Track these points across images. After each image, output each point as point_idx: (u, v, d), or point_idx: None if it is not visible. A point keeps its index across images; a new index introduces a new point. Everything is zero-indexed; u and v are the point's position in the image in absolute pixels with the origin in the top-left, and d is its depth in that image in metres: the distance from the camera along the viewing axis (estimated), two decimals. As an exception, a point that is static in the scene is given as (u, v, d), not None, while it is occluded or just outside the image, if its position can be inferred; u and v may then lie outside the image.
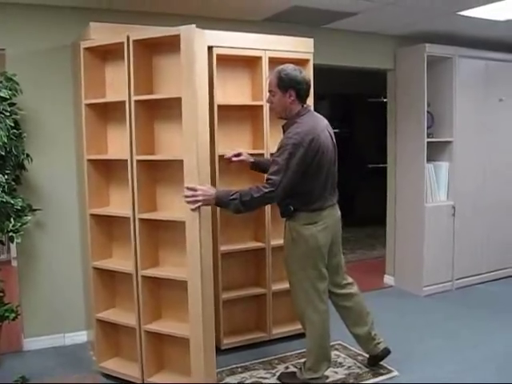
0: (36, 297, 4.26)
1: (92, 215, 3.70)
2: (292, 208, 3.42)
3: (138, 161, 3.46)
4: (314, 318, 3.48)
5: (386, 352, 3.76)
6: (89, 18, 3.73)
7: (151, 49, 3.54)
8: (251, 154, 4.15)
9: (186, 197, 3.19)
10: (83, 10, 4.16)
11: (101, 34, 3.56)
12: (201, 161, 3.32)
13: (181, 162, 3.27)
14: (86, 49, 3.60)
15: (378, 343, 3.76)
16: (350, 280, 3.75)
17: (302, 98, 3.39)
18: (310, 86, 3.46)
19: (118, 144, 3.72)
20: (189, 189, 3.19)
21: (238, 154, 3.81)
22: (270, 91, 3.43)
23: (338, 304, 3.74)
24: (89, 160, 3.67)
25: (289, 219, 3.50)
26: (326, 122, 3.50)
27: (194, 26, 3.21)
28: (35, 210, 4.06)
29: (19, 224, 3.77)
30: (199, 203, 3.19)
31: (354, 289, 3.75)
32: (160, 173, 3.61)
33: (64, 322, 4.35)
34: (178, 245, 3.51)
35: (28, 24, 4.09)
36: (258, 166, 3.87)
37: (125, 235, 3.64)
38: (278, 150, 3.32)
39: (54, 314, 4.31)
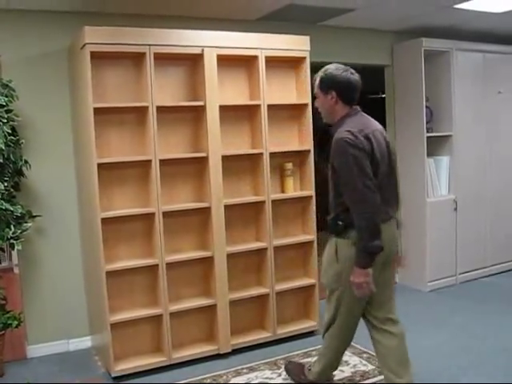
0: (39, 303, 4.24)
1: (103, 219, 3.70)
2: (342, 224, 2.96)
3: (161, 160, 3.84)
4: (335, 332, 3.23)
5: None
6: (82, 22, 3.72)
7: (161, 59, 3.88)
8: (250, 154, 4.17)
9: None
10: (76, 14, 4.14)
11: (95, 37, 3.57)
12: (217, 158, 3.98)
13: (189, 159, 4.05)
14: (94, 52, 3.60)
15: None
16: (394, 317, 3.18)
17: (346, 99, 3.03)
18: (355, 86, 3.04)
19: (123, 146, 3.92)
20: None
21: None
22: (315, 94, 3.14)
23: (372, 337, 3.24)
24: (99, 164, 3.67)
25: (336, 236, 3.03)
26: (379, 126, 3.13)
27: (215, 50, 3.90)
28: (35, 216, 4.05)
29: (19, 231, 3.77)
30: (366, 282, 2.86)
31: (396, 329, 3.15)
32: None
33: (67, 328, 4.33)
34: (186, 232, 4.13)
35: (22, 30, 4.07)
36: None
37: (132, 233, 3.96)
38: (333, 160, 2.92)
39: (58, 321, 4.29)
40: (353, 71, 3.06)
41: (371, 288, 2.86)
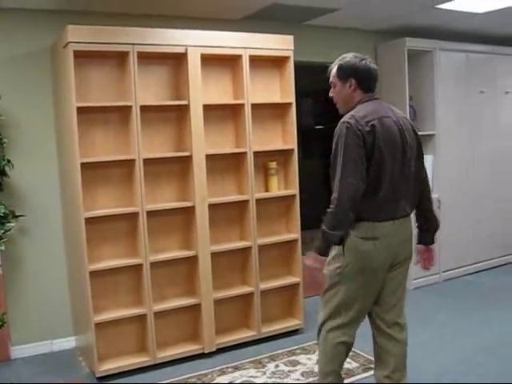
0: (22, 304, 4.22)
1: (86, 219, 3.69)
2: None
3: (145, 159, 3.84)
4: (321, 341, 2.98)
5: None
6: (66, 21, 3.70)
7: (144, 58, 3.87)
8: (234, 153, 4.18)
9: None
10: (60, 13, 4.12)
11: (78, 36, 3.55)
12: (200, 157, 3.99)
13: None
14: (77, 51, 3.58)
15: None
16: (402, 321, 3.00)
17: (364, 87, 2.91)
18: (374, 75, 2.94)
19: (107, 145, 3.90)
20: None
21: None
22: (330, 83, 3.01)
23: (375, 339, 3.06)
24: (82, 163, 3.65)
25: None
26: (400, 113, 2.99)
27: (199, 49, 3.90)
28: (18, 216, 4.02)
29: (2, 231, 3.74)
30: (318, 269, 2.82)
31: (401, 335, 2.99)
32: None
33: (51, 328, 4.31)
34: (170, 231, 4.12)
35: (5, 29, 4.05)
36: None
37: (116, 233, 3.94)
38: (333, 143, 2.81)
39: (42, 321, 4.27)
40: (370, 60, 2.97)
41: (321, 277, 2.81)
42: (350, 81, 2.90)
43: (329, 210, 2.68)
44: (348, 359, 3.86)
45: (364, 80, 2.91)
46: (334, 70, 2.97)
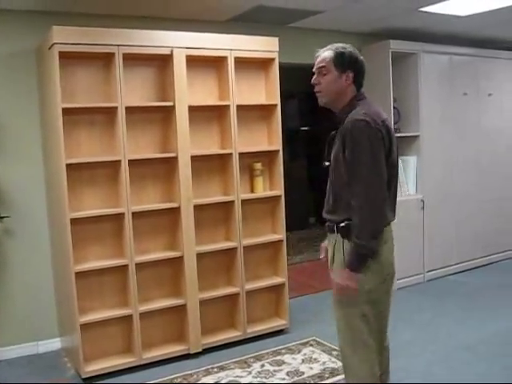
0: (7, 305, 4.20)
1: (72, 219, 3.68)
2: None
3: (130, 160, 3.84)
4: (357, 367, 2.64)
5: None
6: (51, 22, 3.69)
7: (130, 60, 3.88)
8: (220, 155, 4.19)
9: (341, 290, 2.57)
10: (45, 14, 4.12)
11: (64, 37, 3.55)
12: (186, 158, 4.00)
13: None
14: (62, 52, 3.58)
15: None
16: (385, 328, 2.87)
17: (358, 82, 2.67)
18: (365, 71, 2.70)
19: (93, 146, 3.90)
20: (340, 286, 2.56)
21: None
22: (320, 68, 2.65)
23: None
24: (68, 164, 3.65)
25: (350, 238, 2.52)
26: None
27: (184, 50, 3.92)
28: (3, 217, 4.01)
29: (-13, 232, 3.74)
30: (351, 288, 2.51)
31: (386, 341, 2.84)
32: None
33: (37, 329, 4.29)
34: (155, 232, 4.12)
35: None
36: None
37: (102, 234, 3.93)
38: (346, 146, 2.51)
39: (27, 322, 4.25)
40: None
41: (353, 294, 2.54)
42: (347, 73, 2.62)
43: (357, 220, 2.45)
44: (333, 358, 3.94)
45: (360, 75, 2.67)
46: (327, 54, 2.66)
